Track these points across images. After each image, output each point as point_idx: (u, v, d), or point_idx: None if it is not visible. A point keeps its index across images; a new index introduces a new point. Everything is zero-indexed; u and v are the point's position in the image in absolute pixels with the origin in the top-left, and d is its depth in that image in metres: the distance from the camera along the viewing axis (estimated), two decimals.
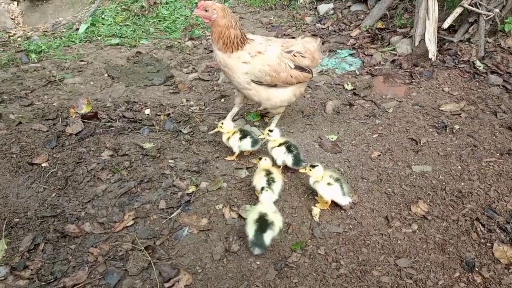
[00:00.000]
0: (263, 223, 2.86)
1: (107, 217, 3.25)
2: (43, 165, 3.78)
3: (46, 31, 7.79)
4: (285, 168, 3.75)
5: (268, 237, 2.85)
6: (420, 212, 3.25)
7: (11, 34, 7.65)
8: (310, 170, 3.27)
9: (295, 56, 3.84)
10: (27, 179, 3.60)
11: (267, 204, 3.00)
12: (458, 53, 5.54)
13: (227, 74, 3.91)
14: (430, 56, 5.50)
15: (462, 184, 3.51)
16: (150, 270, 2.79)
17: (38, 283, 2.69)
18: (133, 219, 3.21)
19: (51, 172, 3.69)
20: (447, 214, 3.23)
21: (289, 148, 3.61)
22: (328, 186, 3.21)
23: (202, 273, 2.77)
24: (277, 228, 2.89)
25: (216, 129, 4.01)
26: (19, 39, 7.42)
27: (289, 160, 3.60)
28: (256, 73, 3.77)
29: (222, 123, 3.83)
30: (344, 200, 3.23)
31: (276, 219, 2.92)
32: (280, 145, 3.66)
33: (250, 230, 2.87)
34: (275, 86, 3.89)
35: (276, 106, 4.06)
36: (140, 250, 2.92)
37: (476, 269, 2.77)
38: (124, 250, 2.94)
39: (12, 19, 8.23)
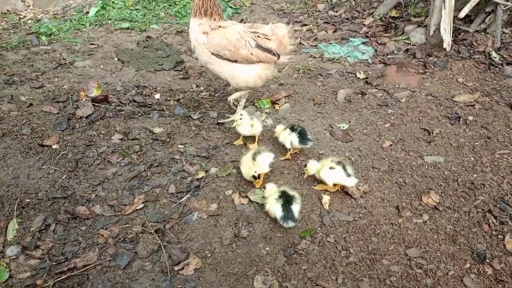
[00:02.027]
0: (287, 197, 2.94)
1: (117, 200, 3.26)
2: (53, 147, 3.79)
3: (56, 14, 7.78)
4: (295, 155, 3.73)
5: (296, 209, 2.92)
6: (432, 203, 3.21)
7: (21, 16, 7.66)
8: (306, 169, 3.34)
9: (258, 37, 3.87)
10: (38, 161, 3.61)
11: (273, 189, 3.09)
12: (474, 43, 5.44)
13: (193, 47, 4.02)
14: (445, 46, 5.40)
15: (475, 175, 3.47)
16: (160, 253, 2.80)
17: (49, 263, 2.71)
18: (143, 202, 3.22)
19: (62, 154, 3.70)
20: (459, 205, 3.20)
21: (292, 128, 3.61)
22: (330, 170, 3.20)
23: (211, 257, 2.78)
24: (299, 201, 2.99)
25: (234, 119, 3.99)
26: (29, 21, 7.42)
27: (294, 139, 3.57)
28: (214, 45, 3.83)
29: (242, 115, 3.83)
30: (350, 181, 3.21)
31: (296, 193, 3.03)
32: (285, 129, 3.67)
33: (277, 207, 2.92)
34: (236, 61, 3.91)
35: (241, 85, 4.05)
36: (150, 233, 2.93)
37: (487, 260, 2.75)
38: (134, 233, 2.95)
39: (22, 1, 8.23)
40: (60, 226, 2.99)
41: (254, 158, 3.32)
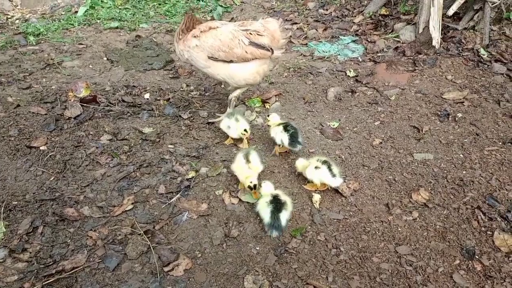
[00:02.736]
0: (278, 204, 2.91)
1: (106, 201, 3.23)
2: (41, 148, 3.75)
3: (44, 14, 7.69)
4: (286, 154, 3.73)
5: (284, 217, 2.89)
6: (421, 200, 3.23)
7: (9, 16, 7.56)
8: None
9: (250, 34, 3.86)
10: (25, 162, 3.57)
11: (268, 191, 3.06)
12: (462, 40, 5.47)
13: (189, 61, 4.02)
14: (434, 43, 5.43)
15: (464, 172, 3.49)
16: (149, 254, 2.77)
17: (37, 266, 2.68)
18: (132, 203, 3.19)
19: (50, 156, 3.66)
20: (448, 202, 3.21)
21: (286, 128, 3.60)
22: (315, 170, 3.20)
23: (201, 258, 2.76)
24: (289, 209, 2.95)
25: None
26: (17, 21, 7.33)
27: (285, 139, 3.57)
28: (207, 48, 3.82)
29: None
30: (335, 182, 3.20)
31: (288, 199, 2.99)
32: (278, 124, 3.67)
33: (265, 212, 2.90)
34: (231, 62, 3.90)
35: (241, 84, 4.05)
36: (139, 234, 2.90)
37: (476, 257, 2.76)
38: (123, 234, 2.92)
39: (10, 1, 8.11)
40: (48, 229, 2.95)
41: (247, 160, 3.30)
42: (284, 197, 3.00)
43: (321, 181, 3.23)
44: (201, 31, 3.85)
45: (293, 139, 3.55)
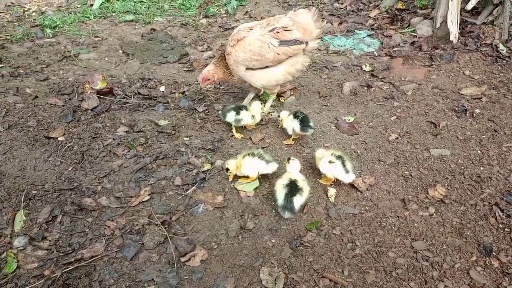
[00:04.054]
0: (293, 188, 2.95)
1: (123, 192, 3.27)
2: (59, 139, 3.80)
3: (60, 6, 7.77)
4: (301, 148, 3.73)
5: (297, 201, 2.93)
6: (438, 196, 3.20)
7: (25, 9, 7.64)
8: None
9: (277, 33, 3.76)
10: (44, 153, 3.63)
11: (294, 172, 3.12)
12: (481, 35, 5.38)
13: (241, 78, 4.05)
14: (451, 38, 5.36)
15: (481, 168, 3.45)
16: (166, 245, 2.81)
17: (56, 254, 2.73)
18: (149, 194, 3.23)
19: (68, 146, 3.71)
20: (465, 198, 3.18)
21: (295, 115, 3.65)
22: (329, 164, 3.20)
23: (217, 249, 2.79)
24: (305, 195, 3.00)
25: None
26: (33, 13, 7.40)
27: (296, 125, 3.61)
28: (242, 61, 3.82)
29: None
30: (347, 178, 3.19)
31: (305, 186, 3.03)
32: (288, 115, 3.73)
33: (280, 194, 2.96)
34: (267, 67, 3.87)
35: (273, 85, 4.04)
36: (157, 224, 2.94)
37: (494, 253, 2.74)
38: (140, 224, 2.96)
39: None
40: (67, 218, 3.00)
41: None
42: (302, 183, 3.03)
43: (334, 176, 3.23)
44: (231, 46, 3.83)
45: (304, 123, 3.60)
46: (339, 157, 3.22)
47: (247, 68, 3.88)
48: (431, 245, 2.82)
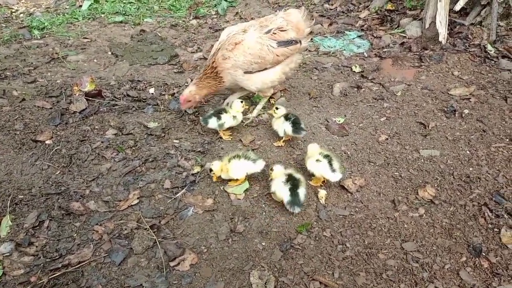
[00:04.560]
0: (294, 181, 3.00)
1: (111, 196, 3.23)
2: (47, 142, 3.75)
3: (48, 7, 7.68)
4: (292, 150, 3.72)
5: (302, 193, 2.98)
6: (427, 197, 3.21)
7: (13, 10, 7.54)
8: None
9: (274, 34, 3.75)
10: (31, 156, 3.57)
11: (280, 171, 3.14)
12: (469, 36, 5.42)
13: (234, 82, 3.93)
14: (440, 39, 5.39)
15: (471, 169, 3.47)
16: (155, 249, 2.78)
17: (43, 260, 2.69)
18: (138, 198, 3.19)
19: (55, 150, 3.66)
20: (455, 199, 3.20)
21: (286, 117, 3.65)
22: (316, 162, 3.21)
23: (207, 253, 2.76)
24: (304, 185, 3.04)
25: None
26: (21, 15, 7.31)
27: (288, 128, 3.61)
28: (241, 65, 3.74)
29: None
30: (334, 177, 3.20)
31: (301, 176, 3.09)
32: (279, 117, 3.71)
33: (284, 191, 2.97)
34: (265, 69, 3.85)
35: (268, 87, 4.02)
36: (145, 229, 2.90)
37: (483, 254, 2.75)
38: (129, 229, 2.92)
39: None
40: (54, 223, 2.96)
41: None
42: (297, 174, 3.08)
43: (321, 174, 3.24)
44: (229, 51, 3.72)
45: (296, 125, 3.60)
46: (326, 156, 3.23)
47: (245, 72, 3.82)
48: (421, 246, 2.83)
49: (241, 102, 3.86)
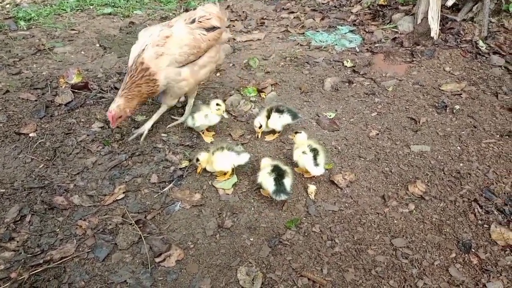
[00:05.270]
0: (279, 171, 2.99)
1: (96, 190, 3.16)
2: (30, 135, 3.66)
3: None
4: (281, 145, 3.67)
5: (287, 183, 2.96)
6: (418, 192, 3.18)
7: None
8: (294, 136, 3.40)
9: (200, 22, 3.65)
10: (14, 149, 3.48)
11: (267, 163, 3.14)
12: (461, 32, 5.41)
13: (168, 84, 3.55)
14: (432, 34, 5.36)
15: (461, 165, 3.45)
16: (140, 245, 2.71)
17: (24, 255, 2.61)
18: (123, 192, 3.12)
19: (39, 143, 3.57)
20: (445, 194, 3.17)
21: (278, 109, 3.65)
22: (302, 154, 3.21)
23: (194, 249, 2.71)
24: (291, 176, 3.02)
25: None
26: (7, 6, 7.13)
27: (287, 119, 3.66)
28: (177, 57, 3.44)
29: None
30: (315, 171, 3.19)
31: (287, 168, 3.07)
32: (268, 115, 3.67)
33: (269, 181, 2.95)
34: (199, 58, 3.65)
35: (202, 79, 3.82)
36: (131, 224, 2.84)
37: (473, 250, 2.72)
38: (113, 224, 2.85)
39: None
40: (36, 217, 2.88)
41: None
42: (284, 166, 3.07)
43: (303, 166, 3.22)
44: (161, 46, 3.37)
45: (292, 112, 3.70)
46: (313, 150, 3.20)
47: (180, 67, 3.52)
48: (410, 242, 2.80)
49: (217, 104, 3.67)
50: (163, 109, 3.80)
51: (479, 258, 2.67)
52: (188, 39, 3.52)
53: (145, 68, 3.32)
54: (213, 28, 3.70)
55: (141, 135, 3.67)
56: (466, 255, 2.70)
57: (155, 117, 3.76)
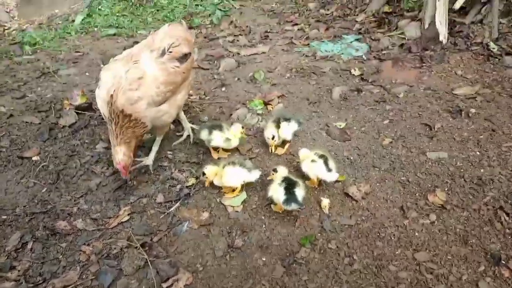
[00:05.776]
0: (290, 182, 2.87)
1: (101, 213, 3.04)
2: (34, 158, 3.58)
3: (41, 24, 7.56)
4: (291, 158, 3.53)
5: (299, 193, 2.83)
6: (438, 202, 3.00)
7: (6, 28, 7.43)
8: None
9: (171, 52, 3.29)
10: (16, 174, 3.40)
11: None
12: (470, 35, 5.27)
13: (154, 121, 3.33)
14: (441, 38, 5.23)
15: (482, 170, 3.26)
16: (146, 269, 2.57)
17: (25, 285, 2.48)
18: (128, 214, 3.00)
19: (42, 166, 3.48)
20: (468, 203, 2.99)
21: (286, 118, 3.60)
22: (312, 163, 3.09)
23: (203, 271, 2.56)
24: (303, 187, 2.90)
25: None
26: (13, 32, 7.20)
27: (294, 126, 3.60)
28: (155, 98, 3.17)
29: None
30: (329, 177, 3.08)
31: (299, 180, 2.95)
32: (277, 126, 3.57)
33: (280, 192, 2.83)
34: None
35: (179, 108, 3.58)
36: (136, 247, 2.70)
37: (503, 262, 2.53)
38: (118, 248, 2.72)
39: (7, 12, 8.01)
40: (38, 244, 2.76)
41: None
42: (295, 178, 2.95)
43: (316, 176, 3.11)
44: (135, 90, 3.07)
45: (297, 121, 3.64)
46: (321, 156, 3.10)
47: (159, 105, 3.26)
48: (434, 255, 2.61)
49: (242, 127, 3.57)
50: (159, 139, 3.64)
51: (510, 270, 2.48)
52: (163, 77, 3.20)
53: (127, 115, 3.07)
54: (185, 56, 3.40)
55: (142, 167, 3.50)
56: (496, 267, 2.50)
57: (154, 148, 3.57)
